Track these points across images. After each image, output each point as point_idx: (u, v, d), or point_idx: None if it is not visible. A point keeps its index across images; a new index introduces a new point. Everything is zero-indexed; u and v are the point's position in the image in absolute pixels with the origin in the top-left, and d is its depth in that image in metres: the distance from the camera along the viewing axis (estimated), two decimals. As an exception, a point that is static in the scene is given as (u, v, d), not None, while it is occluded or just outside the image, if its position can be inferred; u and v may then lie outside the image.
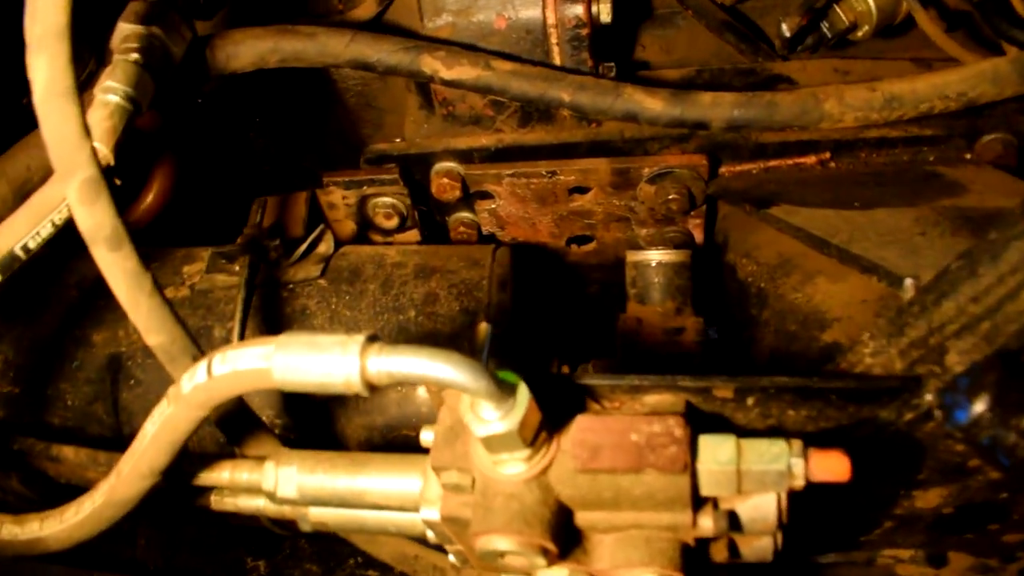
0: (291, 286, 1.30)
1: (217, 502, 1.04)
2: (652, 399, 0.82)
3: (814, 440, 0.82)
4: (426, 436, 0.84)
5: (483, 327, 0.89)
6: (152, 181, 1.54)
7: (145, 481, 0.87)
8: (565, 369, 1.44)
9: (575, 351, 1.55)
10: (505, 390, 0.71)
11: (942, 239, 0.95)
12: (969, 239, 0.95)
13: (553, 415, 0.78)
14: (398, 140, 1.53)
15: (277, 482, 0.93)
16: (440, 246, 1.43)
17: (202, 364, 0.76)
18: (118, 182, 1.14)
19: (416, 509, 0.87)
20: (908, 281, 0.83)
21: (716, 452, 0.76)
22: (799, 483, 0.76)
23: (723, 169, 1.43)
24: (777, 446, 0.76)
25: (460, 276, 1.30)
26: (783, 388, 0.78)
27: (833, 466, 0.75)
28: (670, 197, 1.42)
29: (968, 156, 1.39)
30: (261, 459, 0.97)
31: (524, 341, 1.29)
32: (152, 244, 1.47)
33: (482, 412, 0.71)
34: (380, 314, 1.26)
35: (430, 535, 0.89)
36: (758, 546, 0.84)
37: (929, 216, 1.05)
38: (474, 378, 0.68)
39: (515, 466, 0.76)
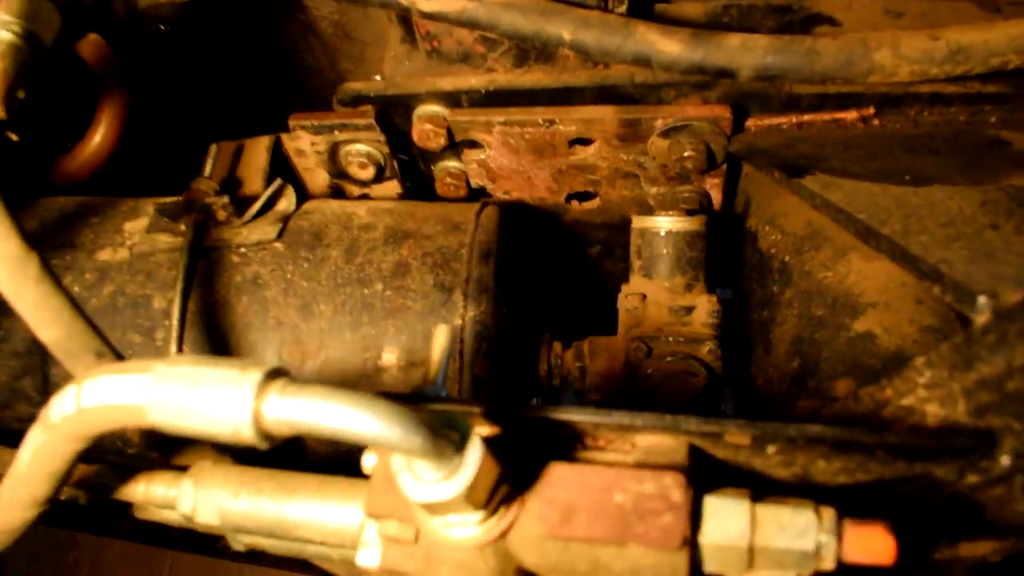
0: (243, 250, 1.13)
1: (140, 512, 0.89)
2: (647, 440, 0.65)
3: (845, 495, 0.65)
4: (368, 461, 0.68)
5: (440, 334, 0.72)
6: (98, 121, 1.36)
7: (28, 512, 0.72)
8: (557, 347, 1.27)
9: (570, 324, 1.38)
10: (450, 445, 0.54)
11: (1021, 235, 0.77)
12: (1053, 236, 0.77)
13: (520, 463, 0.61)
14: (376, 79, 1.33)
15: (195, 506, 0.77)
16: (418, 204, 1.25)
17: (70, 392, 0.59)
18: (14, 137, 0.96)
19: (355, 548, 0.71)
20: (982, 300, 0.64)
21: (725, 522, 0.59)
22: (828, 566, 0.59)
23: (749, 122, 1.24)
24: (804, 517, 0.59)
25: (437, 243, 1.12)
26: (816, 439, 0.61)
27: (874, 546, 0.58)
28: (686, 154, 1.22)
29: (1038, 118, 1.20)
30: (181, 471, 0.81)
31: (506, 321, 1.12)
32: (100, 193, 1.30)
33: (420, 471, 0.55)
34: (342, 286, 1.09)
35: None
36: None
37: (1000, 201, 0.87)
38: (407, 434, 0.51)
39: (466, 528, 0.60)
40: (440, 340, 0.71)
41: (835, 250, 1.20)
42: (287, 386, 0.52)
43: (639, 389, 1.13)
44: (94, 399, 0.57)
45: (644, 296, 1.20)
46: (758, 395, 1.21)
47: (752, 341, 1.26)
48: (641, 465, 0.62)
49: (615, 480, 0.59)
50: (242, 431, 0.51)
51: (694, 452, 0.64)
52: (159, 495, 0.82)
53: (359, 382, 1.06)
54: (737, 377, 1.28)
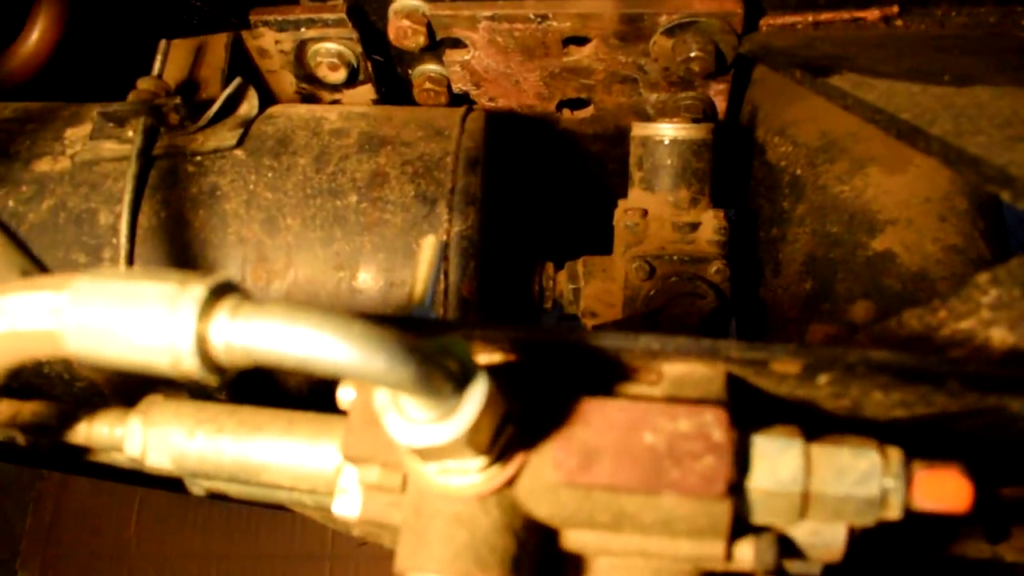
0: (198, 158, 1.00)
1: (90, 454, 0.78)
2: (677, 369, 0.55)
3: (900, 431, 0.56)
4: (345, 395, 0.58)
5: (427, 246, 0.61)
6: (35, 16, 1.21)
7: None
8: (549, 267, 1.16)
9: (562, 244, 1.27)
10: (447, 378, 0.43)
11: (1093, 135, 0.67)
12: None
13: (529, 396, 0.51)
14: (350, -32, 1.20)
15: (145, 448, 0.67)
16: (396, 108, 1.13)
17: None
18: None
19: (330, 494, 0.62)
20: (1068, 204, 0.55)
21: (775, 465, 0.50)
22: (894, 515, 0.50)
23: (763, 21, 1.12)
24: (867, 459, 0.50)
25: (418, 150, 1.00)
26: (881, 366, 0.51)
27: (948, 492, 0.49)
28: (692, 55, 1.10)
29: (1073, 19, 1.09)
30: (126, 410, 0.71)
31: (495, 237, 1.01)
32: (38, 98, 1.16)
33: (410, 410, 0.44)
34: (311, 198, 0.97)
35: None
36: (802, 569, 0.59)
37: (1058, 100, 0.77)
38: (394, 364, 0.40)
39: (464, 476, 0.50)
40: (427, 253, 0.60)
41: (852, 162, 1.10)
42: (240, 304, 0.41)
43: (640, 313, 1.04)
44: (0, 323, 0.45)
45: (645, 211, 1.09)
46: (767, 320, 1.12)
47: (760, 261, 1.17)
48: (672, 399, 0.52)
49: (644, 416, 0.49)
50: (183, 361, 0.40)
51: (732, 383, 0.54)
52: (103, 436, 0.71)
53: (333, 304, 0.95)
54: (742, 302, 1.18)
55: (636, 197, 1.11)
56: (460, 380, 0.44)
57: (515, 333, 0.53)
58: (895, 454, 0.51)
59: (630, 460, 0.48)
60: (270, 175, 0.98)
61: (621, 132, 1.31)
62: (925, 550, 0.90)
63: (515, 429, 0.49)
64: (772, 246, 1.15)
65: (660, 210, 1.09)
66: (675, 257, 1.05)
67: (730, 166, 1.28)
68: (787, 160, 1.16)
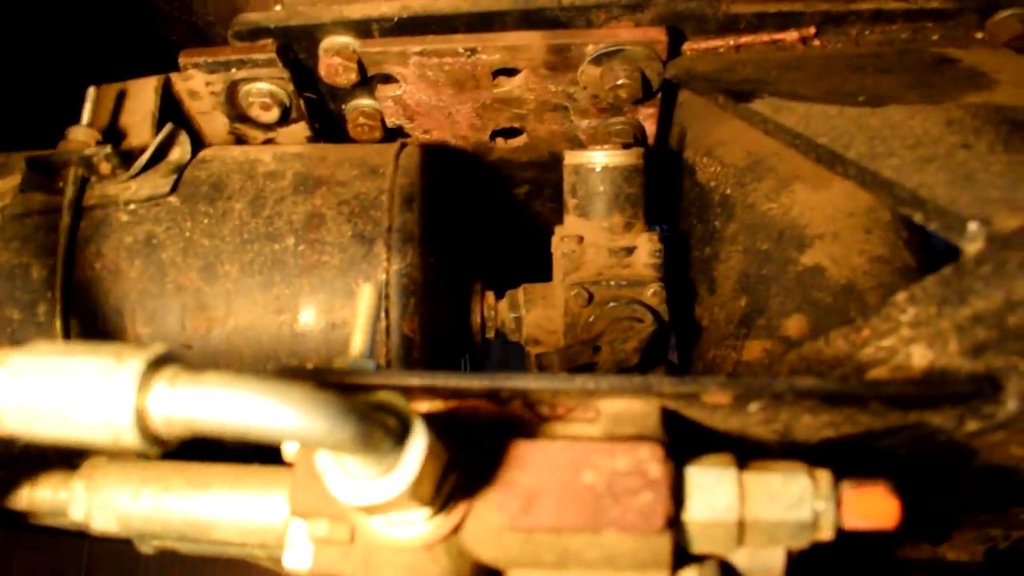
0: (132, 207, 1.00)
1: (34, 519, 0.77)
2: (614, 406, 0.56)
3: (829, 450, 0.58)
4: (290, 447, 0.58)
5: (365, 292, 0.62)
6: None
7: None
8: (490, 297, 1.18)
9: (501, 272, 1.29)
10: (387, 434, 0.44)
11: (996, 155, 0.70)
12: (1032, 154, 0.71)
13: (471, 443, 0.52)
14: (277, 8, 1.20)
15: (90, 512, 0.67)
16: (330, 146, 1.13)
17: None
18: None
19: (281, 547, 0.62)
20: (973, 226, 0.58)
21: (711, 496, 0.52)
22: (827, 535, 0.52)
23: (685, 46, 1.15)
24: (797, 483, 0.52)
25: (353, 189, 1.01)
26: (806, 393, 0.53)
27: (876, 509, 0.52)
28: (619, 82, 1.13)
29: (979, 35, 1.14)
30: (69, 473, 0.70)
31: (434, 272, 1.02)
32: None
33: (352, 467, 0.45)
34: (249, 243, 0.97)
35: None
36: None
37: (965, 120, 0.80)
38: (333, 426, 0.41)
39: (411, 527, 0.51)
40: (364, 303, 0.61)
41: (778, 180, 1.14)
42: (178, 374, 0.41)
43: (581, 338, 1.05)
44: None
45: (581, 238, 1.11)
46: (704, 337, 1.15)
47: (695, 281, 1.19)
48: (610, 437, 0.54)
49: (583, 456, 0.51)
50: (123, 436, 0.40)
51: (667, 417, 0.56)
52: (46, 501, 0.70)
53: (275, 348, 0.95)
54: (680, 322, 1.21)
55: (572, 224, 1.13)
56: (399, 435, 0.45)
57: (450, 383, 0.54)
58: (824, 477, 0.53)
59: (571, 500, 0.50)
60: (206, 221, 0.98)
61: (555, 158, 1.33)
62: (873, 555, 0.93)
63: (458, 477, 0.50)
64: (706, 265, 1.18)
65: (596, 236, 1.11)
66: (612, 282, 1.07)
67: (663, 188, 1.31)
68: (716, 180, 1.19)
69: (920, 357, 0.63)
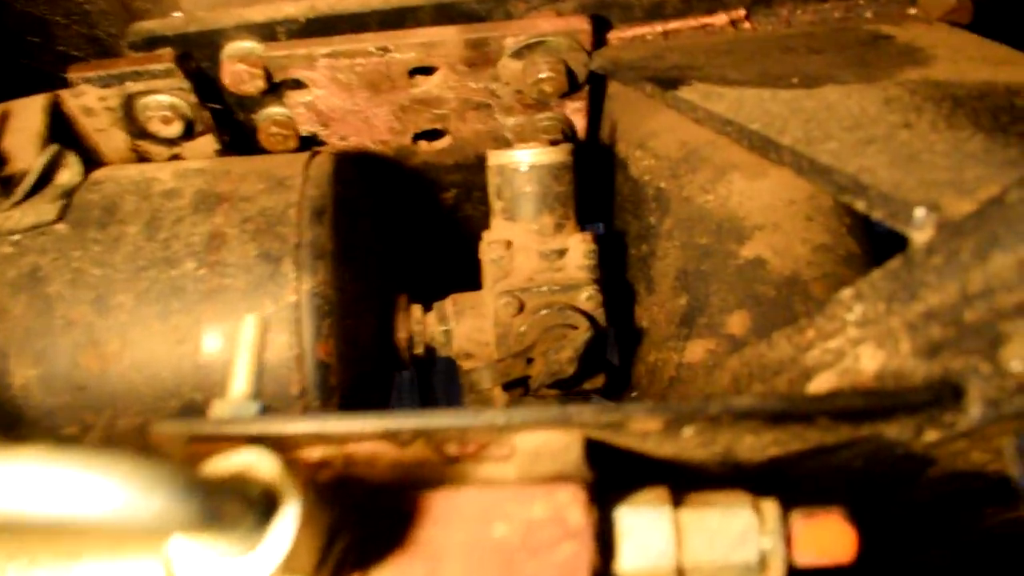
0: (16, 237, 0.91)
1: None
2: (531, 441, 0.50)
3: (775, 470, 0.52)
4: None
5: (247, 325, 0.54)
6: None
7: None
8: (416, 310, 1.10)
9: (431, 284, 1.22)
10: (247, 508, 0.37)
11: (940, 133, 0.65)
12: (976, 130, 0.65)
13: (367, 494, 0.45)
14: (175, 15, 1.12)
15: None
16: (236, 160, 1.05)
17: None
18: None
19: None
20: (920, 212, 0.52)
21: (644, 540, 0.45)
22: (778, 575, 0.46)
23: (610, 35, 1.09)
24: (739, 519, 0.46)
25: (258, 204, 0.93)
26: (747, 413, 0.47)
27: (831, 542, 0.46)
28: (543, 75, 1.07)
29: (912, 11, 1.10)
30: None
31: (351, 289, 0.95)
32: None
33: (207, 547, 0.38)
34: (144, 269, 0.88)
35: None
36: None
37: (903, 97, 0.75)
38: (172, 505, 0.34)
39: (296, 600, 0.43)
40: (248, 333, 0.54)
41: (714, 170, 1.08)
42: (-18, 453, 0.34)
43: (513, 350, 0.99)
44: None
45: (509, 243, 1.04)
46: (645, 339, 1.09)
47: (632, 280, 1.13)
48: (527, 478, 0.47)
49: (493, 505, 0.44)
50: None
51: (591, 447, 0.50)
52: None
53: (178, 383, 0.87)
54: (619, 324, 1.15)
55: (499, 228, 1.06)
56: (265, 504, 0.37)
57: (340, 427, 0.47)
58: (770, 509, 0.47)
59: (481, 558, 0.43)
60: (97, 249, 0.90)
61: (481, 160, 1.26)
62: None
63: (348, 543, 0.43)
64: (643, 263, 1.12)
65: (525, 240, 1.04)
66: (544, 288, 1.00)
67: (598, 184, 1.24)
68: (650, 174, 1.13)
69: (870, 359, 0.57)
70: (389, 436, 0.48)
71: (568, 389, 1.02)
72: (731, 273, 1.02)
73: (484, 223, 1.20)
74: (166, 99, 1.10)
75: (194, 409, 0.87)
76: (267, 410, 0.53)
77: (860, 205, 0.58)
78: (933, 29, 1.03)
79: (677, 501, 0.48)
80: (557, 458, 0.49)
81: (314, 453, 0.51)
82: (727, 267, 1.03)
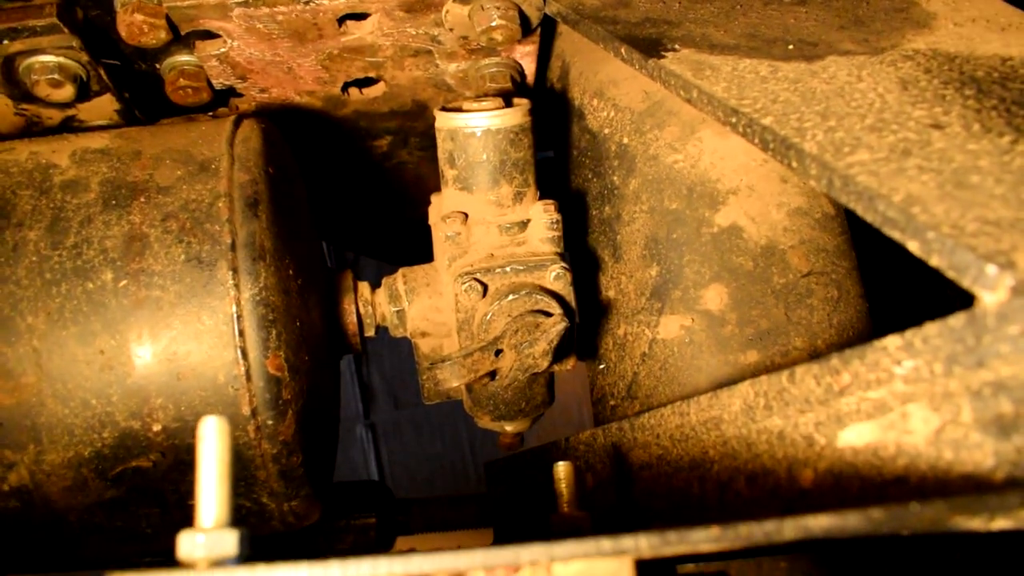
0: None
1: None
2: (568, 569, 0.42)
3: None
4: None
5: (208, 433, 0.45)
6: None
7: None
8: (364, 289, 1.00)
9: (364, 235, 1.11)
10: None
11: (978, 141, 0.57)
12: (1015, 135, 0.58)
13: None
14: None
15: None
16: (144, 133, 0.91)
17: None
18: None
19: None
20: (992, 271, 0.45)
21: None
22: None
23: (567, -24, 0.97)
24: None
25: (180, 197, 0.81)
26: (833, 535, 0.41)
27: None
28: (493, 23, 0.95)
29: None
30: None
31: (297, 285, 0.84)
32: None
33: None
34: (54, 284, 0.76)
35: None
36: None
37: (919, 79, 0.67)
38: None
39: None
40: (210, 444, 0.44)
41: (682, 126, 0.99)
42: None
43: (479, 339, 0.91)
44: None
45: (465, 215, 0.95)
46: (612, 310, 1.02)
47: (596, 245, 1.06)
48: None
49: None
50: None
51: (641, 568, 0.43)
52: None
53: (110, 411, 0.76)
54: (583, 288, 1.08)
55: (452, 199, 0.95)
56: None
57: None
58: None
59: None
60: (-9, 260, 0.77)
61: (420, 106, 1.15)
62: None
63: None
64: (607, 227, 1.04)
65: (482, 211, 0.94)
66: (508, 268, 0.91)
67: (547, 132, 1.14)
68: (610, 127, 1.04)
69: (923, 422, 0.51)
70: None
71: (537, 375, 0.95)
72: (705, 243, 0.95)
73: (423, 167, 1.10)
74: (52, 59, 0.94)
75: (135, 439, 0.77)
76: (248, 537, 0.44)
77: (913, 247, 0.51)
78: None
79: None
80: (603, 592, 0.42)
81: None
82: (701, 236, 0.96)
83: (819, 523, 0.41)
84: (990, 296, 0.46)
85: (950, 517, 0.42)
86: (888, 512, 0.41)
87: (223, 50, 0.99)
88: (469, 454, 2.72)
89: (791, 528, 0.40)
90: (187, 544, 0.43)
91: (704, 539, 0.40)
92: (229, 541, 0.43)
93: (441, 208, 0.97)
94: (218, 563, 0.43)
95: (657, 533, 0.41)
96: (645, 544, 0.40)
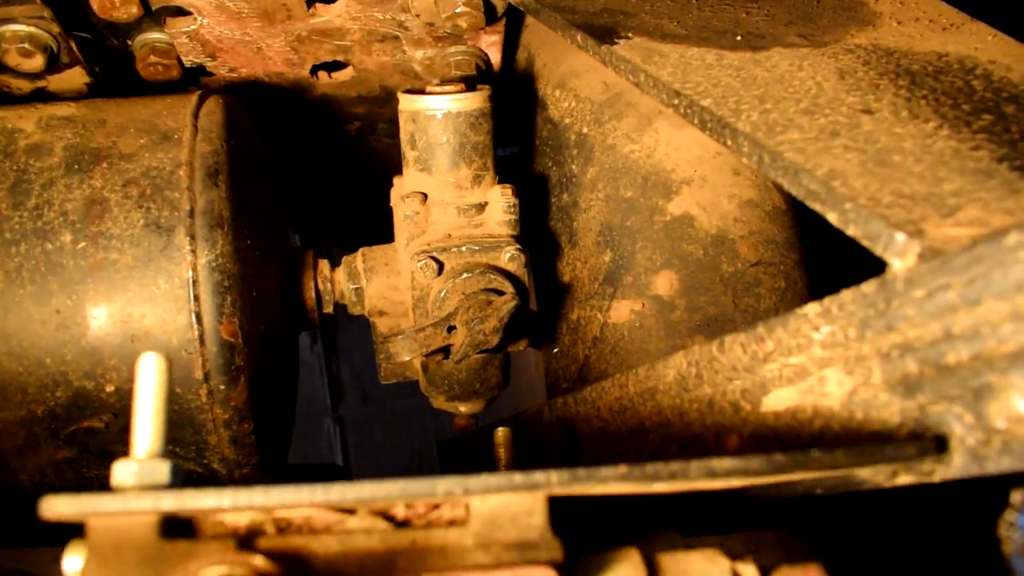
0: None
1: None
2: (487, 503, 0.45)
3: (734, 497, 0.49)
4: (71, 564, 0.44)
5: (147, 368, 0.47)
6: None
7: None
8: (323, 266, 1.02)
9: (330, 220, 1.13)
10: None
11: (904, 125, 0.60)
12: (940, 121, 0.61)
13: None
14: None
15: None
16: (109, 104, 0.93)
17: None
18: None
19: None
20: (901, 237, 0.48)
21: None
22: (757, 649, 0.43)
23: (531, -35, 1.00)
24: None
25: (142, 164, 0.82)
26: (728, 473, 0.43)
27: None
28: (458, 10, 0.97)
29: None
30: None
31: (253, 255, 0.86)
32: None
33: None
34: (12, 244, 0.78)
35: None
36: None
37: (857, 70, 0.70)
38: None
39: None
40: (149, 378, 0.46)
41: (640, 117, 1.02)
42: None
43: (433, 316, 0.93)
44: None
45: (424, 196, 0.97)
46: (567, 295, 1.04)
47: (554, 231, 1.08)
48: (486, 545, 0.42)
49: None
50: None
51: (554, 507, 0.45)
52: None
53: (64, 371, 0.78)
54: (541, 273, 1.10)
55: (412, 179, 0.97)
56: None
57: (271, 499, 0.41)
58: (749, 572, 0.44)
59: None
60: (-48, 218, 0.78)
61: (388, 92, 1.17)
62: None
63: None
64: (565, 214, 1.06)
65: (441, 192, 0.97)
66: (464, 248, 0.94)
67: (513, 121, 1.17)
68: (571, 117, 1.07)
69: (837, 384, 0.54)
70: (329, 506, 0.42)
71: (491, 354, 0.97)
72: (658, 230, 0.98)
73: (392, 153, 1.11)
74: (23, 29, 0.96)
75: (87, 398, 0.78)
76: (181, 470, 0.46)
77: (832, 217, 0.53)
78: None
79: (651, 568, 0.44)
80: (518, 522, 0.44)
81: (241, 518, 0.45)
82: (654, 223, 0.99)
83: (723, 465, 0.43)
84: (899, 262, 0.49)
85: (848, 463, 0.44)
86: (790, 458, 0.44)
87: (193, 27, 1.00)
88: (437, 452, 2.73)
89: (696, 469, 0.43)
90: (121, 472, 0.45)
91: (612, 476, 0.42)
92: (162, 470, 0.45)
93: (402, 189, 0.99)
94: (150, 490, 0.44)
95: (568, 470, 0.43)
96: (555, 479, 0.42)
